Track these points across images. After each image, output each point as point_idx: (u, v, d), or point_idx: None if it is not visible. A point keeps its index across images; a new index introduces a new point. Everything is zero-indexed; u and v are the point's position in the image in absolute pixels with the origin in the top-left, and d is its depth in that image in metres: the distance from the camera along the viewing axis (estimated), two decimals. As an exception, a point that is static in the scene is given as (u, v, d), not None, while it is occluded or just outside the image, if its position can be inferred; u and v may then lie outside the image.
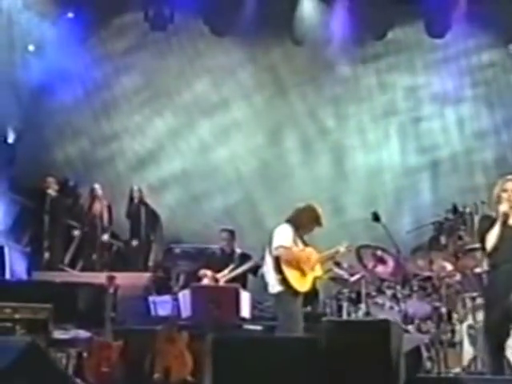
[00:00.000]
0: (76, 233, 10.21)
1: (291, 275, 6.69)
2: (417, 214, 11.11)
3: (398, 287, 7.68)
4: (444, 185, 11.28)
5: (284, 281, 6.66)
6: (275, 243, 6.83)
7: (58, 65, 11.15)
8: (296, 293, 6.71)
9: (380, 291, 7.81)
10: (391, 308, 7.61)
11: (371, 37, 11.40)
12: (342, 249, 7.12)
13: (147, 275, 9.30)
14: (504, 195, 5.62)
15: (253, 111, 11.70)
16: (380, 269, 7.81)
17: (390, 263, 7.76)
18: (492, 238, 5.59)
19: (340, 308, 8.09)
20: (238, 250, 8.67)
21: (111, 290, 7.20)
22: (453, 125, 11.45)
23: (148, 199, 10.56)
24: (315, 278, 6.89)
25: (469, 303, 7.47)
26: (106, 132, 11.62)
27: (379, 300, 7.72)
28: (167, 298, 7.77)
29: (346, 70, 11.49)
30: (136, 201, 10.15)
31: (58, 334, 6.90)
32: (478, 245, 8.52)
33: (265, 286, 7.35)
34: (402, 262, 7.84)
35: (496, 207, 5.62)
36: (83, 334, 7.20)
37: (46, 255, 9.83)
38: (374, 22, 11.25)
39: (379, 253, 7.85)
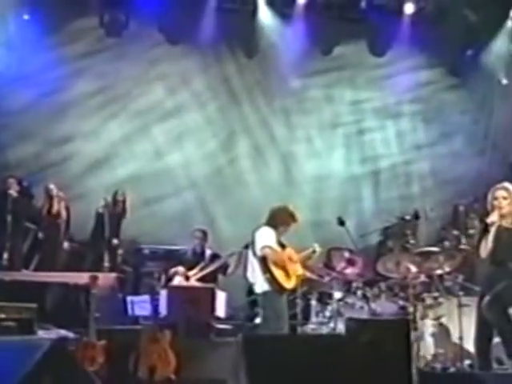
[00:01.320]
0: (40, 235, 9.65)
1: (278, 273, 6.67)
2: (360, 219, 11.23)
3: (367, 288, 7.72)
4: (384, 192, 11.48)
5: (272, 279, 6.61)
6: (260, 244, 6.78)
7: (11, 67, 10.60)
8: (282, 290, 6.69)
9: (350, 291, 7.82)
10: (361, 307, 7.65)
11: (319, 52, 11.46)
12: (317, 248, 7.14)
13: (112, 275, 8.93)
14: (495, 203, 5.74)
15: (206, 118, 11.50)
16: (349, 270, 7.85)
17: (359, 264, 7.81)
18: (485, 246, 5.71)
19: (308, 307, 8.04)
20: (209, 251, 8.58)
21: (94, 290, 6.84)
22: (393, 137, 11.68)
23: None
24: (298, 276, 6.86)
25: (429, 301, 7.61)
26: (59, 134, 11.09)
27: (349, 300, 7.74)
28: (145, 297, 7.49)
29: (296, 82, 11.48)
30: (120, 204, 9.75)
31: (42, 334, 6.48)
32: (426, 248, 8.74)
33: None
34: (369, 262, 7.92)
35: (489, 215, 5.73)
36: (65, 333, 6.82)
37: (6, 255, 9.26)
38: (322, 38, 11.37)
39: (346, 254, 7.89)
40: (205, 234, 8.70)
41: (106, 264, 9.59)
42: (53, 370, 4.23)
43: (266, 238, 6.81)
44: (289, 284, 6.72)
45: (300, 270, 6.91)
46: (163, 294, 7.54)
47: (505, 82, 11.31)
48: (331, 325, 7.62)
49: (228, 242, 9.87)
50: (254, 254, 6.81)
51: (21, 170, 10.74)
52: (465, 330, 7.05)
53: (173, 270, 8.19)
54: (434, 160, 11.59)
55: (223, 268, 8.38)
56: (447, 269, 7.55)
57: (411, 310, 7.34)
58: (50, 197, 9.72)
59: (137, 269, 9.14)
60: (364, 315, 7.49)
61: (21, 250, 9.65)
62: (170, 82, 11.42)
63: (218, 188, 11.26)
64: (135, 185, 11.14)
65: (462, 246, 8.80)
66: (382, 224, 10.37)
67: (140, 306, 7.60)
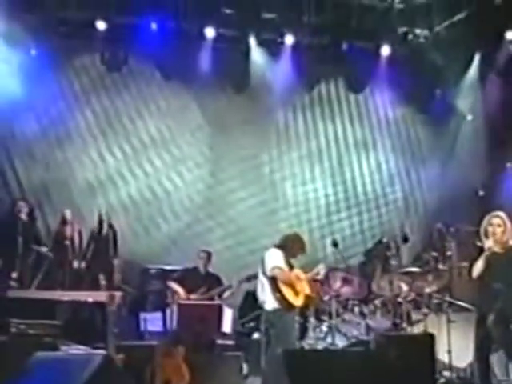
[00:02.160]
0: (45, 256, 9.44)
1: (287, 292, 6.68)
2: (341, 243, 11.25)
3: (363, 305, 7.74)
4: (365, 218, 11.58)
5: (282, 298, 6.60)
6: (270, 265, 6.78)
7: (21, 97, 10.46)
8: (291, 308, 6.68)
9: (347, 308, 7.83)
10: (358, 324, 7.66)
11: (303, 89, 11.60)
12: (322, 271, 7.16)
13: (119, 294, 8.72)
14: (490, 229, 5.83)
15: (198, 147, 11.48)
16: (345, 289, 7.87)
17: (355, 283, 7.83)
18: (477, 268, 5.81)
19: (305, 323, 8.00)
20: (211, 270, 8.53)
21: (113, 308, 6.70)
22: (372, 167, 11.81)
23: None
24: (306, 296, 6.86)
25: (419, 317, 7.67)
26: (61, 160, 10.92)
27: (346, 316, 7.74)
28: (158, 314, 7.38)
29: (282, 116, 11.58)
30: (105, 223, 9.59)
31: (66, 350, 6.29)
32: (410, 268, 8.82)
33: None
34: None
35: (483, 240, 5.82)
36: (84, 349, 6.63)
37: (15, 275, 9.01)
38: (306, 76, 11.49)
39: (342, 274, 7.92)
40: (209, 255, 8.65)
41: (103, 282, 9.37)
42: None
43: (275, 258, 6.86)
44: (297, 302, 6.73)
45: (307, 290, 6.91)
46: (173, 310, 7.43)
47: (470, 117, 11.59)
48: (328, 340, 7.59)
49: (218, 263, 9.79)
50: (264, 273, 6.80)
51: (23, 193, 10.53)
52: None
53: (172, 285, 8.12)
54: (408, 187, 11.75)
55: (221, 292, 8.37)
56: (435, 287, 7.64)
57: (404, 325, 7.40)
58: (63, 221, 9.55)
59: (142, 288, 8.98)
60: (360, 330, 7.51)
61: (28, 271, 9.41)
62: (165, 114, 11.38)
63: (209, 212, 11.22)
64: (132, 208, 11.09)
65: (441, 267, 8.89)
66: (364, 246, 10.49)
67: (152, 322, 7.48)
